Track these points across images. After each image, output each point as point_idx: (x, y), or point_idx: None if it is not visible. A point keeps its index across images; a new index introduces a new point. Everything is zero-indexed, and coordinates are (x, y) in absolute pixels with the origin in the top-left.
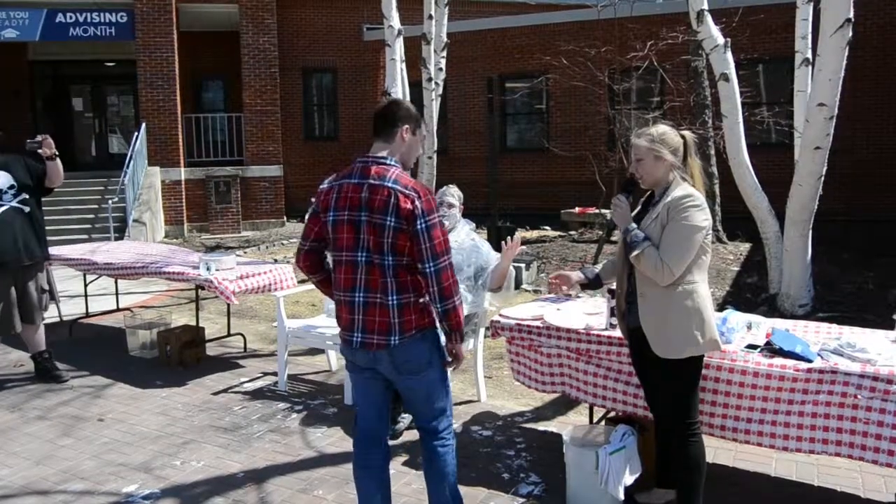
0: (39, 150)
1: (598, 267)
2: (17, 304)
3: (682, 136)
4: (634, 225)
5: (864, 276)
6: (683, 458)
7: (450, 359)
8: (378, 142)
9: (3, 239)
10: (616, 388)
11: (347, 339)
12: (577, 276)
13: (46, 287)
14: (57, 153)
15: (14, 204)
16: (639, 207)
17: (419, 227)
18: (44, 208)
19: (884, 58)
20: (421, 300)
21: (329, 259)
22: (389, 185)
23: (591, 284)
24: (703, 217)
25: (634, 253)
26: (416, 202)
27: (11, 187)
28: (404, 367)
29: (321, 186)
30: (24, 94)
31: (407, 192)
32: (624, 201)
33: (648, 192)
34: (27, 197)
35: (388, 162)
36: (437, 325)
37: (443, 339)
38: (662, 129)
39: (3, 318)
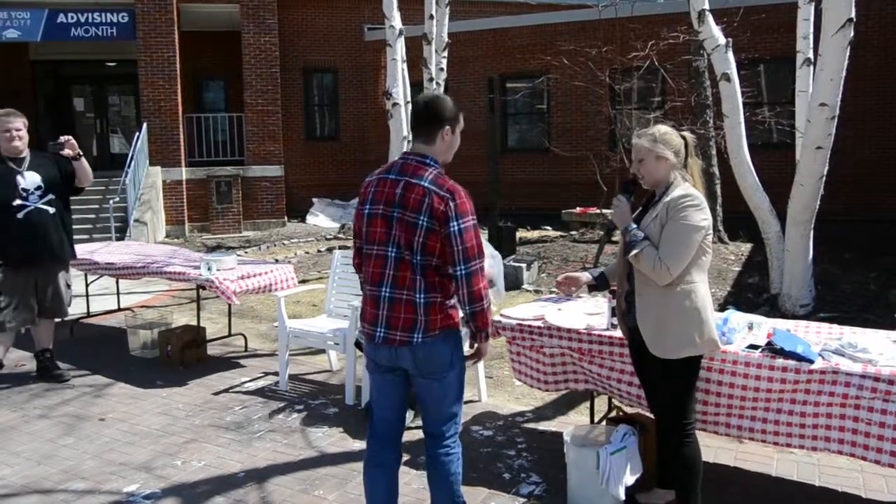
0: (63, 152)
1: (603, 267)
2: (41, 299)
3: (683, 137)
4: (634, 225)
5: (866, 276)
6: (679, 459)
7: (471, 351)
8: (417, 142)
9: (26, 239)
10: (619, 388)
11: (370, 334)
12: (585, 277)
13: (71, 283)
14: (81, 153)
15: (39, 205)
16: (640, 209)
17: (452, 229)
18: None
19: (885, 58)
20: (448, 302)
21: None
22: (425, 184)
23: (599, 285)
24: (701, 217)
25: (633, 252)
26: (451, 203)
27: (39, 188)
28: (426, 367)
29: (366, 179)
30: (26, 95)
31: (442, 193)
32: (624, 201)
33: (650, 193)
34: (53, 197)
35: (427, 161)
36: (461, 326)
37: (465, 344)
38: (664, 129)
39: (24, 311)
